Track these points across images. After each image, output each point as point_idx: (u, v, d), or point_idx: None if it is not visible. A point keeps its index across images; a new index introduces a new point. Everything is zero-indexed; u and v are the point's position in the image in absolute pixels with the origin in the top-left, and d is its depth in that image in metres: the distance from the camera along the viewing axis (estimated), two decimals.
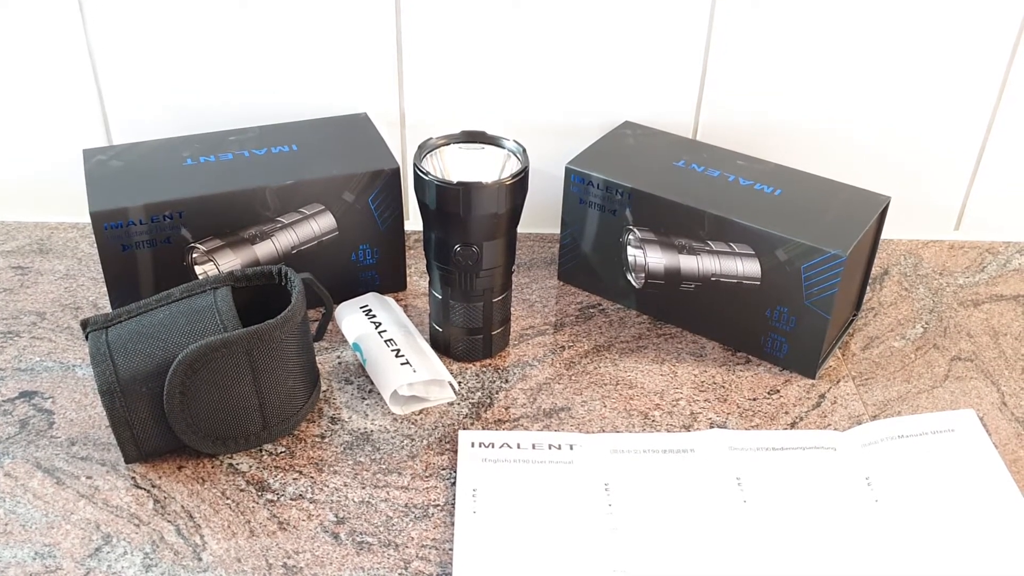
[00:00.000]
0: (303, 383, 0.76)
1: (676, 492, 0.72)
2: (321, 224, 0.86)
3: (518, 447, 0.75)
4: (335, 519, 0.70)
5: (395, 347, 0.81)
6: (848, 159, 0.98)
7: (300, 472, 0.73)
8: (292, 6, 0.91)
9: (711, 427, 0.78)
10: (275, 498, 0.71)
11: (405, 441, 0.76)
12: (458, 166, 0.79)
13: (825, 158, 0.96)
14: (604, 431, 0.77)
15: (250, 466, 0.74)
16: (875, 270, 0.96)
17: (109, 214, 0.79)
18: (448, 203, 0.75)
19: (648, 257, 0.87)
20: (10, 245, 0.97)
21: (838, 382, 0.83)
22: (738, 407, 0.80)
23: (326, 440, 0.76)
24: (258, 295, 0.77)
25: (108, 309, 0.87)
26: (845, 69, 0.94)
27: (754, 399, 0.81)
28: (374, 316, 0.85)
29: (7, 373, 0.81)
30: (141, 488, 0.72)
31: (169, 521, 0.69)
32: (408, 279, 0.93)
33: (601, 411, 0.79)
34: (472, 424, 0.78)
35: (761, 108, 0.96)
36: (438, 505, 0.71)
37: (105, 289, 0.87)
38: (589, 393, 0.81)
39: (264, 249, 0.85)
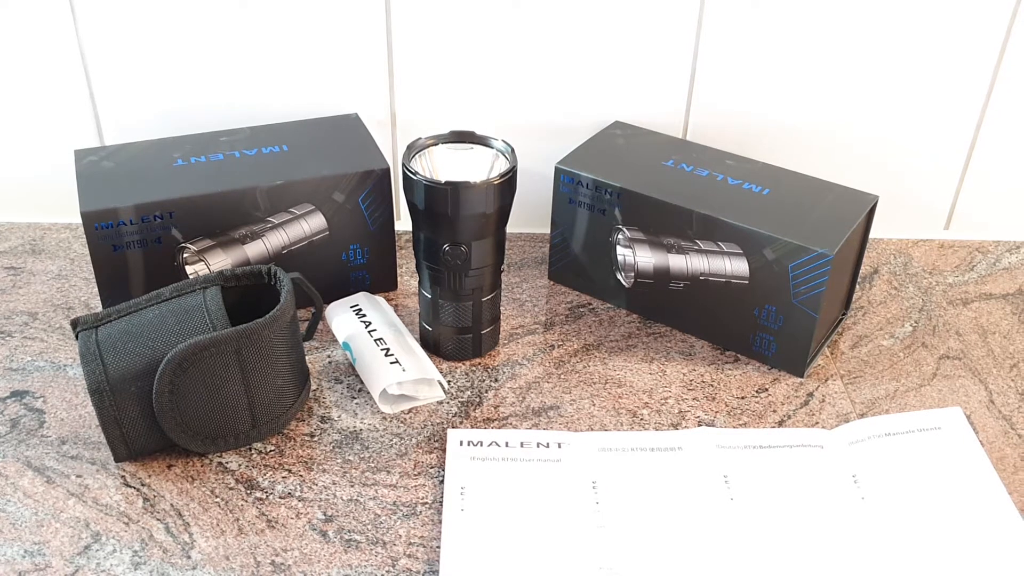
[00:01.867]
0: (293, 382, 0.76)
1: (664, 490, 0.72)
2: (311, 224, 0.86)
3: (507, 445, 0.75)
4: (323, 517, 0.70)
5: (385, 346, 0.81)
6: (838, 159, 0.98)
7: (289, 471, 0.73)
8: (283, 7, 0.91)
9: (699, 425, 0.78)
10: (264, 496, 0.71)
11: (394, 440, 0.76)
12: (447, 166, 0.79)
13: (814, 158, 0.97)
14: (592, 429, 0.78)
15: (239, 465, 0.74)
16: (865, 269, 0.97)
17: (100, 214, 0.79)
18: (436, 203, 0.75)
19: (637, 256, 0.87)
20: (2, 246, 0.97)
21: (826, 381, 0.83)
22: (726, 405, 0.80)
23: (315, 439, 0.76)
24: (248, 295, 0.77)
25: (100, 309, 0.87)
26: (834, 69, 0.94)
27: (742, 397, 0.81)
28: (364, 316, 0.85)
29: None
30: (131, 487, 0.72)
31: (158, 519, 0.69)
32: (399, 279, 0.93)
33: (590, 410, 0.80)
34: (461, 423, 0.78)
35: (750, 108, 0.96)
36: (426, 503, 0.71)
37: (96, 290, 0.87)
38: (578, 392, 0.81)
39: (254, 249, 0.85)
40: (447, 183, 0.74)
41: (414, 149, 0.79)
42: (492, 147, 0.80)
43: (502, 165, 0.78)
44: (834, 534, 0.69)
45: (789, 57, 0.94)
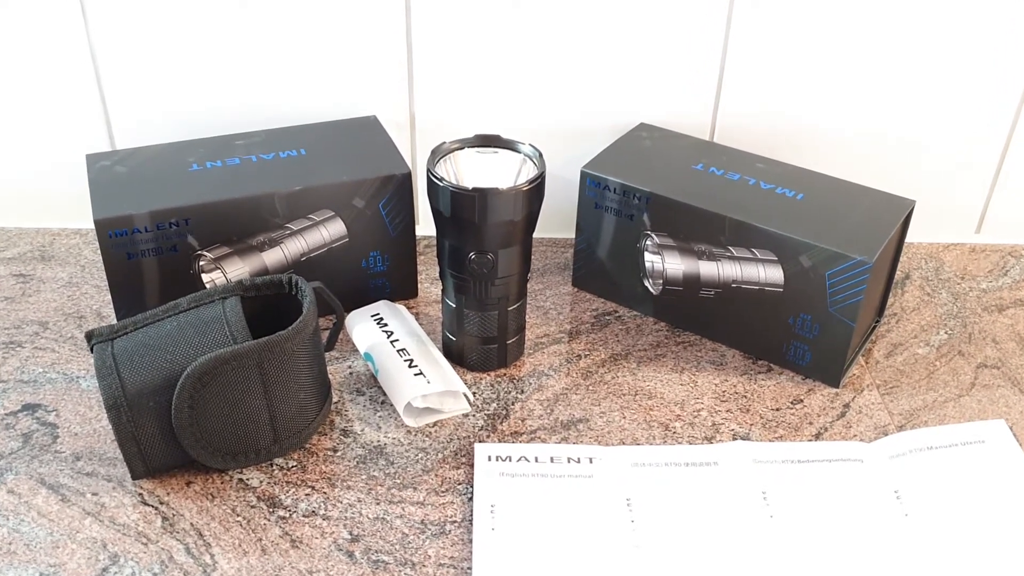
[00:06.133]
0: (315, 395, 0.74)
1: (700, 507, 0.69)
2: (331, 230, 0.84)
3: (536, 461, 0.73)
4: (349, 536, 0.67)
5: (408, 357, 0.79)
6: (866, 161, 0.96)
7: (312, 487, 0.71)
8: (299, 6, 0.89)
9: (734, 438, 0.76)
10: (287, 515, 0.69)
11: (419, 455, 0.74)
12: (472, 171, 0.77)
13: (844, 160, 0.94)
14: (624, 443, 0.75)
15: (261, 481, 0.71)
16: (896, 274, 0.94)
17: (114, 221, 0.77)
18: (463, 210, 0.73)
19: (666, 263, 0.85)
20: (11, 252, 0.95)
21: (862, 391, 0.81)
22: (761, 417, 0.78)
23: (338, 454, 0.74)
24: (267, 304, 0.75)
25: (112, 318, 0.85)
26: (864, 70, 0.92)
27: (777, 409, 0.79)
28: (386, 325, 0.83)
29: (9, 385, 0.79)
30: (149, 505, 0.69)
31: (178, 539, 0.67)
32: (419, 286, 0.91)
33: (620, 422, 0.77)
34: (488, 436, 0.76)
35: (779, 109, 0.94)
36: (455, 521, 0.69)
37: (109, 297, 0.85)
38: (607, 404, 0.79)
39: (272, 256, 0.83)
40: (474, 189, 0.72)
41: (439, 154, 0.76)
42: (519, 151, 0.77)
43: (530, 170, 0.76)
44: (878, 553, 0.66)
45: (818, 57, 0.91)
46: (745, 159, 0.88)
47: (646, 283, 0.87)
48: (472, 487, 0.71)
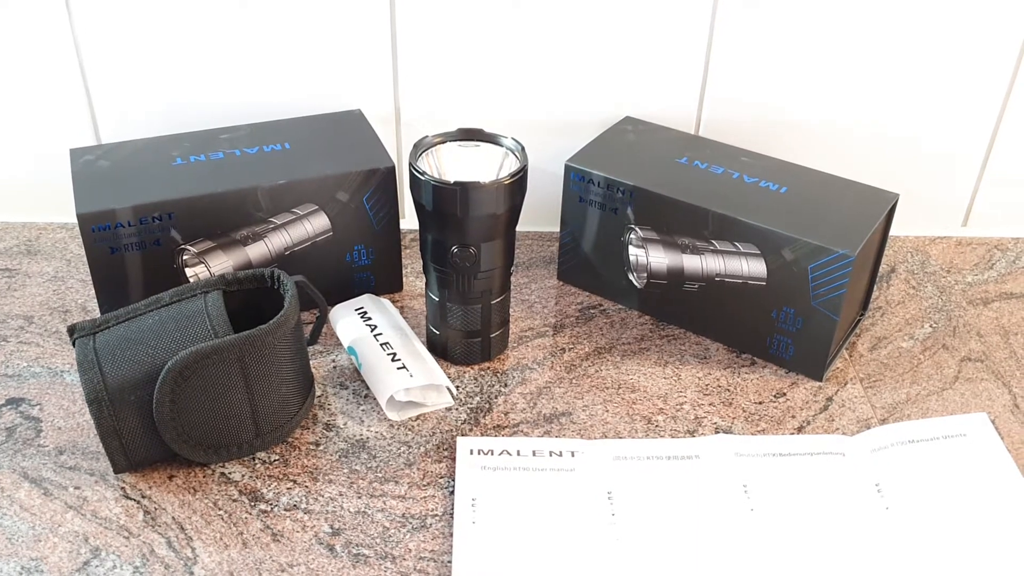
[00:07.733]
0: (297, 389, 0.74)
1: (681, 500, 0.70)
2: (315, 224, 0.84)
3: (518, 454, 0.73)
4: (330, 530, 0.68)
5: (391, 351, 0.79)
6: (851, 154, 0.96)
7: (294, 481, 0.71)
8: (284, 0, 0.88)
9: (716, 432, 0.76)
10: (269, 508, 0.69)
11: (402, 448, 0.74)
12: (455, 165, 0.77)
13: (830, 154, 0.94)
14: (606, 436, 0.75)
15: (243, 475, 0.71)
16: (882, 268, 0.94)
17: (97, 216, 0.77)
18: (445, 204, 0.73)
19: (650, 257, 0.85)
20: None
21: (845, 384, 0.81)
22: (744, 411, 0.78)
23: (321, 448, 0.74)
24: (250, 298, 0.75)
25: (97, 312, 0.85)
26: (850, 63, 0.92)
27: (760, 402, 0.79)
28: (369, 319, 0.83)
29: None
30: (131, 499, 0.70)
31: (159, 533, 0.67)
32: (404, 279, 0.91)
33: (603, 415, 0.77)
34: (471, 430, 0.76)
35: (765, 103, 0.94)
36: (436, 515, 0.69)
37: (94, 292, 0.85)
38: (590, 397, 0.79)
39: (256, 250, 0.83)
40: (456, 183, 0.72)
41: (421, 147, 0.76)
42: (502, 145, 0.77)
43: (512, 164, 0.76)
44: (858, 545, 0.67)
45: (805, 51, 0.91)
46: (729, 153, 0.87)
47: (630, 277, 0.87)
48: (454, 481, 0.71)
